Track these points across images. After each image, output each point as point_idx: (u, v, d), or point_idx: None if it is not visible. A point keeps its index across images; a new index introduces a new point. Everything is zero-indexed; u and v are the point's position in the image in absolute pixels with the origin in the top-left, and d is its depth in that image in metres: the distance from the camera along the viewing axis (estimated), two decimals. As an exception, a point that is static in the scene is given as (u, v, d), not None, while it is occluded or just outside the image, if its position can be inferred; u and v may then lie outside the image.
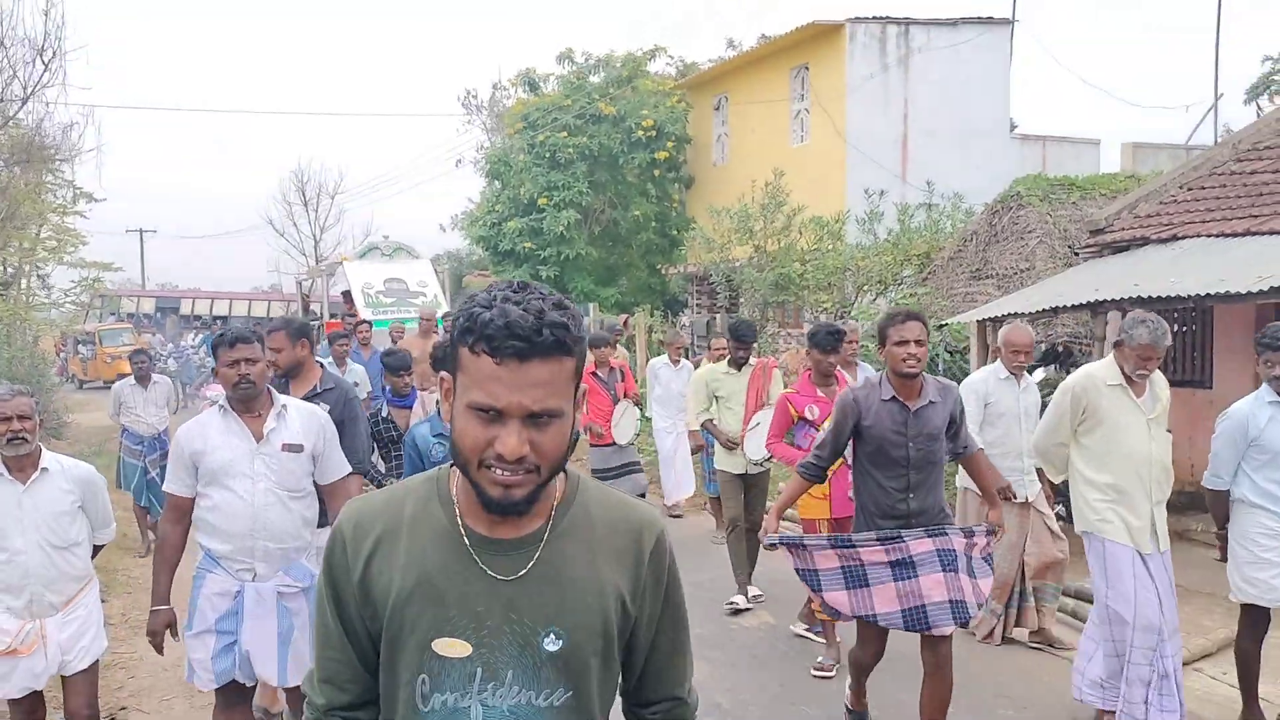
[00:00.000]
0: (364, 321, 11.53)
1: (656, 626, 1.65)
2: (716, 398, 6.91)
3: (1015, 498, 5.56)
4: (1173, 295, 7.38)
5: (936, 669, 4.08)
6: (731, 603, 6.61)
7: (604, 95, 20.28)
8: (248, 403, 3.71)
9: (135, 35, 71.37)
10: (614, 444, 7.86)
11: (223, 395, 3.86)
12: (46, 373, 19.77)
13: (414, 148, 71.21)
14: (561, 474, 1.59)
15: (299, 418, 3.78)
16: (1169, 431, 4.67)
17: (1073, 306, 8.23)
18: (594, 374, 8.04)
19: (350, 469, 3.95)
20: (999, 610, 5.94)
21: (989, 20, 17.46)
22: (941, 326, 10.11)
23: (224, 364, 3.64)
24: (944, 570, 4.00)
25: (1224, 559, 4.81)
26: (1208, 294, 6.92)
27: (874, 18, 16.81)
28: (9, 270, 20.52)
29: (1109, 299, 8.05)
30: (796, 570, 4.19)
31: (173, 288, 39.30)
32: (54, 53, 16.24)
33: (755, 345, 7.24)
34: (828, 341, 5.54)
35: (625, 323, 15.78)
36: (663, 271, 20.86)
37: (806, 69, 17.78)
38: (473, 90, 35.20)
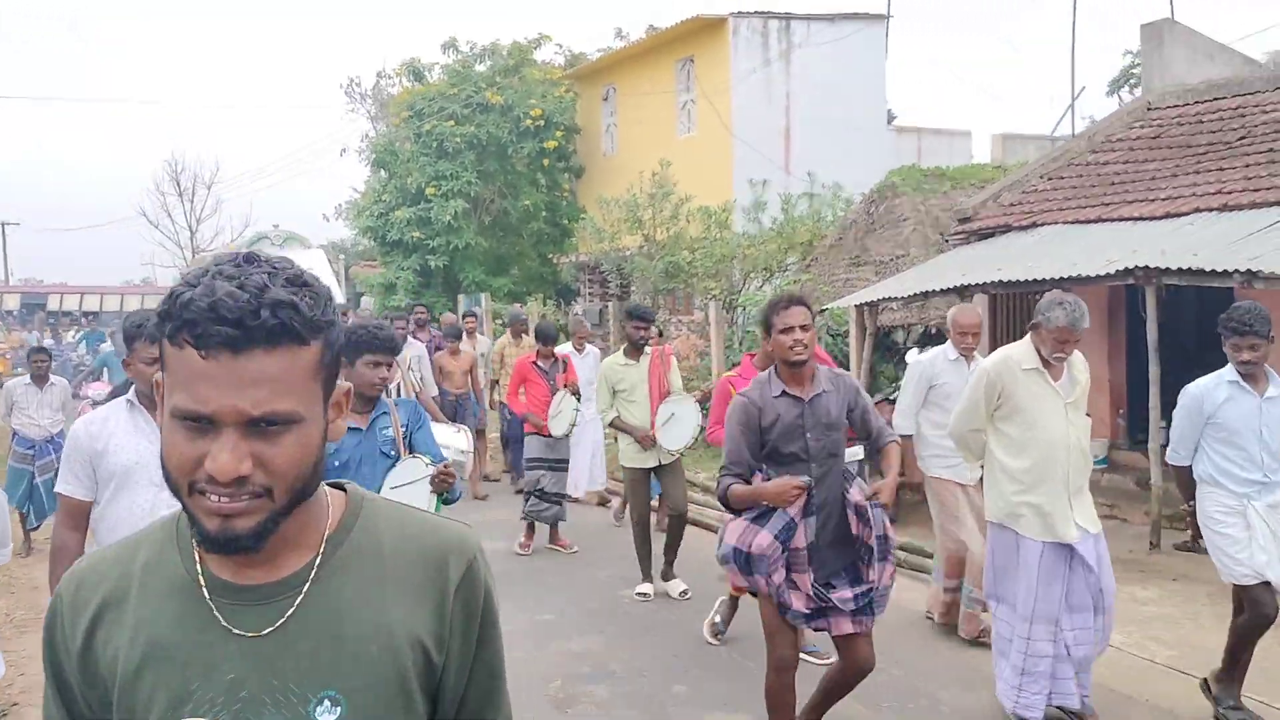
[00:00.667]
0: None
1: (469, 675, 1.31)
2: (616, 391, 6.78)
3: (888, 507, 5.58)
4: (1030, 279, 7.91)
5: (847, 652, 3.93)
6: (641, 592, 6.60)
7: (491, 84, 20.26)
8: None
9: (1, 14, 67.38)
10: (549, 435, 7.77)
11: (103, 394, 3.69)
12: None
13: (296, 138, 69.28)
14: (341, 494, 1.31)
15: None
16: (1088, 416, 4.59)
17: (942, 291, 8.71)
18: (535, 363, 8.08)
19: None
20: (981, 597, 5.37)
21: (866, 16, 18.10)
22: (822, 311, 10.53)
23: (142, 361, 3.31)
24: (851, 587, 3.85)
25: (1195, 537, 4.75)
26: (1062, 277, 7.42)
27: (756, 12, 17.24)
28: None
29: (974, 283, 8.57)
30: (725, 555, 3.95)
31: (37, 282, 37.49)
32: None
33: (654, 326, 7.19)
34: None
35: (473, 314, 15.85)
36: (554, 261, 20.98)
37: (692, 61, 18.13)
38: (356, 78, 34.64)
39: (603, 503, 9.65)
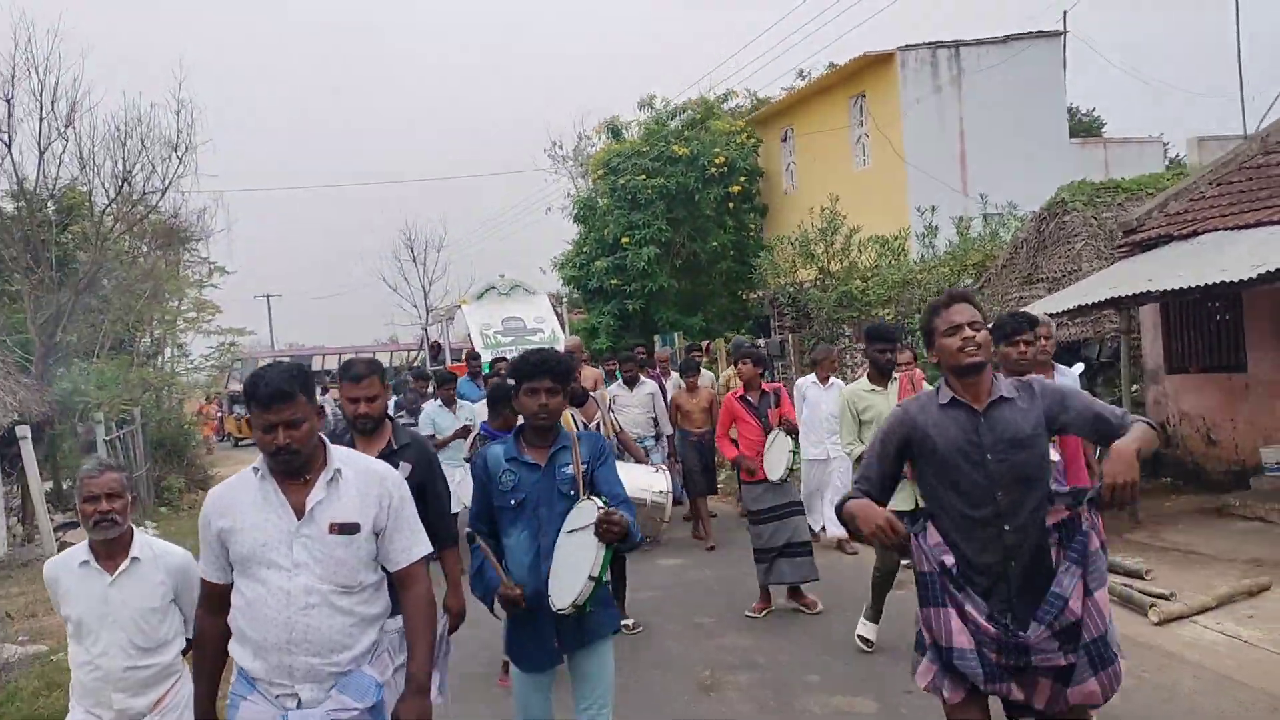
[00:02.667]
0: (473, 355, 11.95)
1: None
2: (862, 422, 6.09)
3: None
4: (1161, 290, 8.05)
5: None
6: (864, 638, 6.07)
7: (679, 138, 21.50)
8: (290, 471, 2.88)
9: (250, 121, 76.25)
10: (766, 481, 6.89)
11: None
12: (192, 434, 21.88)
13: (509, 199, 74.03)
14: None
15: (357, 485, 2.90)
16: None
17: (1093, 305, 8.94)
18: (742, 398, 7.17)
19: (429, 549, 3.07)
20: None
21: (1039, 34, 18.04)
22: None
23: (259, 427, 2.82)
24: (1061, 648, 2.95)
25: None
26: (1191, 286, 7.58)
27: (924, 44, 17.59)
28: (154, 341, 22.84)
29: (1124, 294, 8.74)
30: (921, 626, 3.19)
31: (300, 346, 42.17)
32: (185, 147, 18.44)
33: (898, 346, 6.47)
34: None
35: (706, 348, 16.75)
36: (743, 297, 21.83)
37: (864, 97, 18.66)
38: (558, 141, 37.04)
39: (842, 549, 8.80)
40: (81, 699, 3.44)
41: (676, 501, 9.80)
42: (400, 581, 2.99)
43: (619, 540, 3.31)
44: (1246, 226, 9.27)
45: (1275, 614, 6.27)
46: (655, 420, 9.90)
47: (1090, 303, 8.86)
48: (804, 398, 8.91)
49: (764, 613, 7.01)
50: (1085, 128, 31.33)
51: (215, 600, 2.95)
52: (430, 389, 10.36)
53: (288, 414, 2.79)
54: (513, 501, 3.56)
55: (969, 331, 3.08)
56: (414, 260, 41.20)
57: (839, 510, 3.20)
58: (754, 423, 7.02)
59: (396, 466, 3.50)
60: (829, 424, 8.43)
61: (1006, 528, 3.02)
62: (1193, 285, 7.78)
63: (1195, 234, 9.82)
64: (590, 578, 3.26)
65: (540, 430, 3.63)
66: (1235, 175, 10.76)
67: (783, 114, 21.59)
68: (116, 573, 3.43)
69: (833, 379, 8.85)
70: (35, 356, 18.50)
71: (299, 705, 2.79)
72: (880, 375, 6.23)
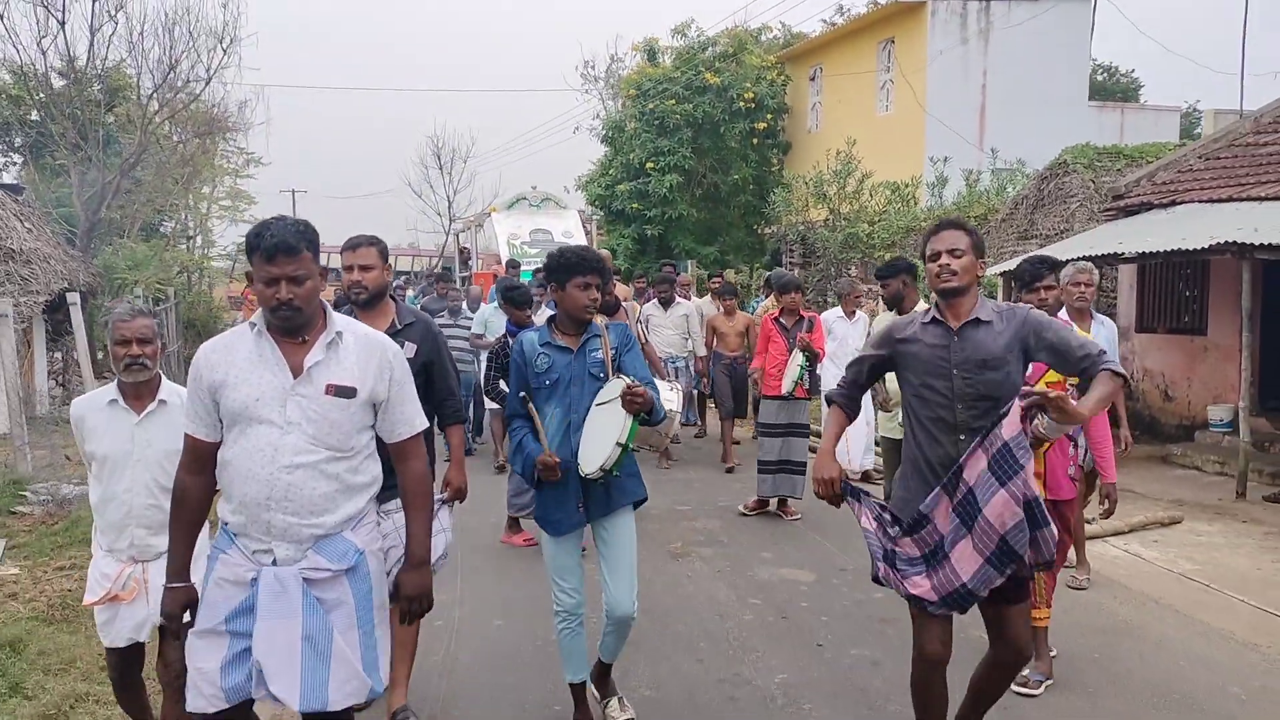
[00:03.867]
0: (513, 264, 12.40)
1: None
2: None
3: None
4: (1129, 253, 8.81)
5: (999, 635, 3.44)
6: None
7: (711, 67, 21.95)
8: (289, 330, 2.81)
9: (292, 20, 76.08)
10: (781, 398, 7.53)
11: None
12: (220, 316, 22.92)
13: (537, 118, 74.03)
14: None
15: (356, 351, 2.86)
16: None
17: (1066, 261, 9.67)
18: (777, 320, 7.76)
19: (425, 424, 3.05)
20: None
21: (1070, -5, 18.38)
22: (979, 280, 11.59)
23: (260, 280, 2.74)
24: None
25: None
26: (1166, 250, 8.33)
27: (955, -7, 17.99)
28: (186, 226, 23.77)
29: (1094, 255, 9.49)
30: (865, 532, 3.52)
31: (323, 244, 42.93)
32: (231, 39, 19.13)
33: (896, 282, 6.45)
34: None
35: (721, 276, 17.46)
36: (759, 231, 22.52)
37: (893, 42, 19.09)
38: (591, 62, 37.23)
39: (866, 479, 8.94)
40: (104, 535, 3.52)
41: (686, 423, 10.51)
42: (397, 455, 2.97)
43: (644, 412, 3.63)
44: (1220, 200, 9.96)
45: (1177, 542, 7.19)
46: (689, 341, 10.17)
47: (1065, 260, 9.59)
48: (829, 331, 8.78)
49: (755, 512, 7.77)
50: (1122, 89, 31.45)
51: (199, 458, 2.87)
52: (451, 292, 11.22)
53: (291, 268, 2.70)
54: (547, 382, 3.85)
55: (945, 259, 3.32)
56: (440, 169, 41.73)
57: (828, 401, 3.68)
58: (782, 343, 7.62)
59: (401, 345, 3.42)
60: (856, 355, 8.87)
61: (961, 438, 3.27)
62: (1155, 250, 8.54)
63: (1174, 204, 10.52)
64: (618, 444, 3.60)
65: (578, 321, 3.91)
66: (1224, 151, 11.38)
67: (814, 52, 22.00)
68: (144, 413, 3.48)
69: (858, 312, 9.14)
70: (79, 230, 19.46)
71: (274, 563, 2.75)
72: (893, 304, 6.52)
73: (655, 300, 10.30)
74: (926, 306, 3.54)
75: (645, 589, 5.80)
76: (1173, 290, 11.23)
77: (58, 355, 16.75)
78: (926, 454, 3.35)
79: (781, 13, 50.90)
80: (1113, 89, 31.14)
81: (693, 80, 21.64)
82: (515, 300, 7.55)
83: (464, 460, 4.15)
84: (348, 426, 2.80)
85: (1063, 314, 5.57)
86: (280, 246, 2.68)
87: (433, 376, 3.94)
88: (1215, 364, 10.59)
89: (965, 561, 3.23)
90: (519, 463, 3.92)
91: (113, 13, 19.07)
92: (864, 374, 3.62)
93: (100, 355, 16.25)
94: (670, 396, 6.70)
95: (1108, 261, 9.61)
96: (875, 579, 3.47)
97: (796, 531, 7.26)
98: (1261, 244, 7.89)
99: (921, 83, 17.93)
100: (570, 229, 16.49)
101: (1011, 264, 10.54)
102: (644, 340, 7.95)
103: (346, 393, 2.78)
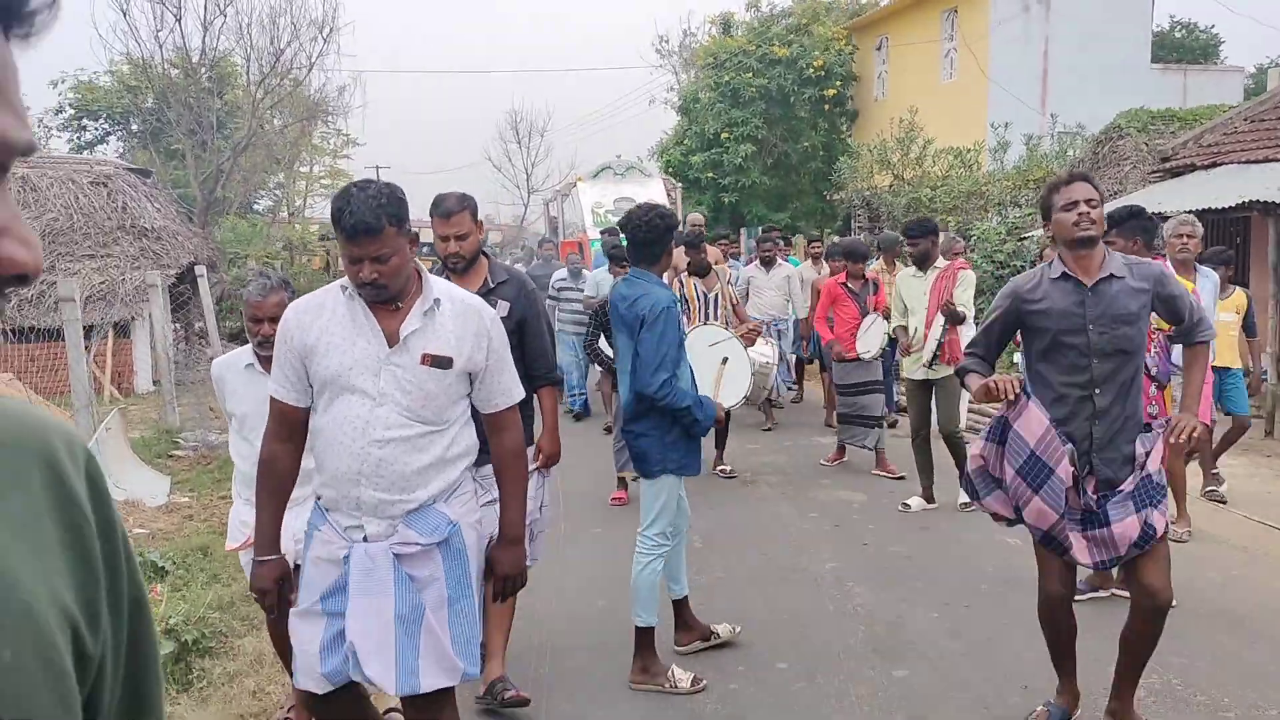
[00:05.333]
0: (611, 231, 12.09)
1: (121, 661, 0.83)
2: (906, 306, 6.96)
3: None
4: (1168, 212, 9.56)
5: (1137, 581, 3.42)
6: (906, 504, 6.85)
7: (782, 41, 22.76)
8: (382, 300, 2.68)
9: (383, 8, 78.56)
10: (857, 359, 7.77)
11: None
12: (319, 286, 24.58)
13: (612, 92, 74.96)
14: None
15: (454, 318, 2.72)
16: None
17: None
18: (844, 284, 7.96)
19: (522, 394, 2.92)
20: None
21: (1133, -41, 18.72)
22: (1022, 239, 12.41)
23: (345, 258, 2.62)
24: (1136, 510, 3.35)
25: None
26: (1194, 210, 9.07)
27: (1018, -38, 18.49)
28: (292, 204, 25.53)
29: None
30: (969, 473, 3.64)
31: (421, 219, 44.84)
32: (330, 29, 20.57)
33: (925, 242, 6.80)
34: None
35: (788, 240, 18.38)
36: (828, 197, 23.34)
37: (955, 12, 19.67)
38: (664, 36, 38.19)
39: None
40: (244, 488, 3.50)
41: (787, 388, 10.45)
42: (491, 426, 2.83)
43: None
44: (1257, 161, 10.62)
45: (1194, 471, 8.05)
46: (791, 303, 10.08)
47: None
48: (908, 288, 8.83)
49: (835, 463, 8.18)
50: (1201, 45, 31.16)
51: (288, 425, 2.74)
52: (571, 254, 11.96)
53: (374, 248, 2.54)
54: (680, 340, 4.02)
55: (1084, 208, 3.27)
56: (518, 143, 43.12)
57: (959, 374, 3.72)
58: (853, 306, 7.85)
59: (494, 305, 3.50)
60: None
61: (1098, 392, 3.31)
62: (1189, 210, 9.29)
63: (1215, 165, 11.19)
64: (751, 374, 4.55)
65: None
66: (1270, 114, 11.96)
67: (880, 22, 22.62)
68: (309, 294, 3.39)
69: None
70: (197, 209, 21.23)
71: (365, 539, 2.63)
72: (918, 263, 6.90)
73: (758, 261, 10.30)
74: (1048, 259, 3.51)
75: (720, 509, 6.97)
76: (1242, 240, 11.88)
77: (177, 326, 18.49)
78: (1062, 395, 3.36)
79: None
80: (1191, 45, 30.90)
81: (766, 54, 22.48)
82: (616, 258, 8.31)
83: (557, 425, 4.02)
84: (443, 398, 2.67)
85: (1168, 265, 5.71)
86: (360, 227, 2.53)
87: (526, 335, 3.82)
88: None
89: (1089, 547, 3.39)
90: (704, 414, 4.01)
91: (223, 7, 20.70)
92: (994, 341, 3.60)
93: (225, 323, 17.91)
94: (768, 350, 7.07)
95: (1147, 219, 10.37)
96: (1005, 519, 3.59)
97: (855, 468, 8.31)
98: (1281, 203, 8.64)
99: (984, 50, 18.52)
100: (654, 195, 16.11)
101: (1037, 231, 11.30)
102: (735, 301, 7.78)
103: (443, 363, 2.65)
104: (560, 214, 18.83)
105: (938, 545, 6.06)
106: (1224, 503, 6.82)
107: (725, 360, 4.65)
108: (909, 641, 4.54)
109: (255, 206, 28.40)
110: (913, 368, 6.82)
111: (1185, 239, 5.91)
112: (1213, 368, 6.04)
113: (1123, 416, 3.34)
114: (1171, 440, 3.32)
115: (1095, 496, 3.34)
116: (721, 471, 7.80)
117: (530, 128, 42.35)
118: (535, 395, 3.88)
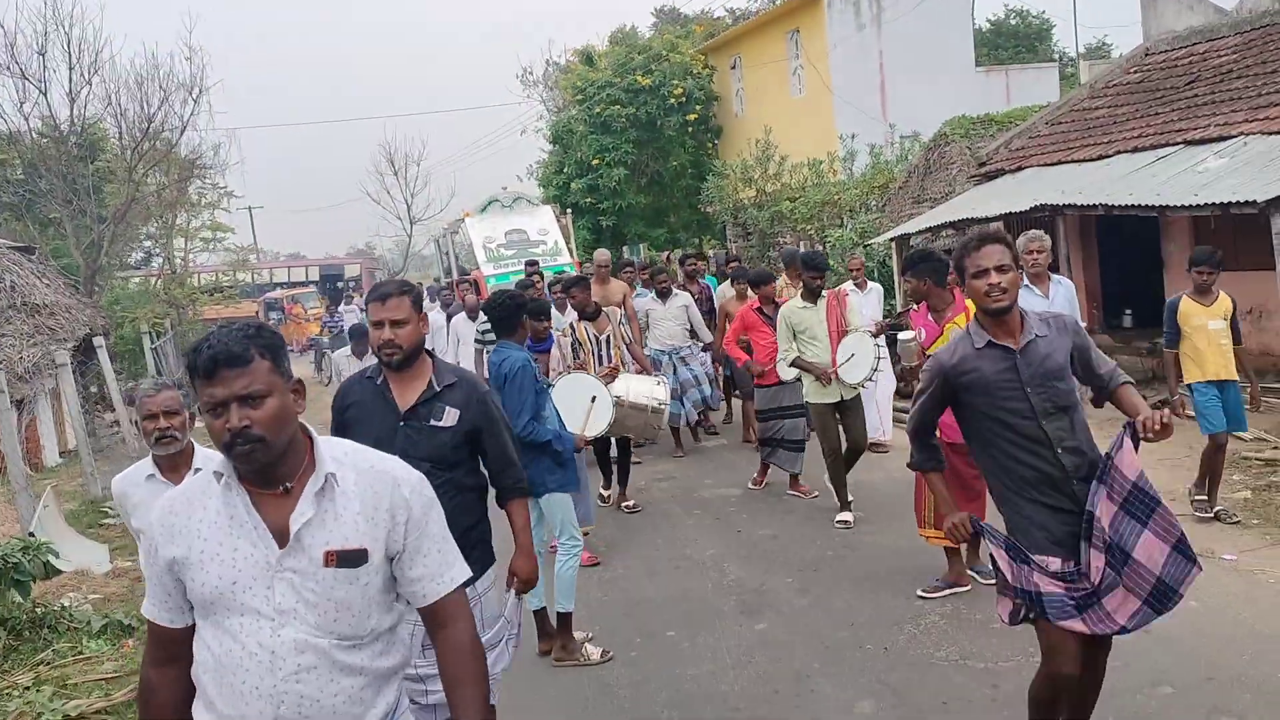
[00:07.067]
0: (464, 281, 12.78)
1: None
2: (797, 333, 7.17)
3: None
4: (981, 216, 11.09)
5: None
6: (842, 520, 7.12)
7: (644, 71, 24.09)
8: (260, 469, 2.06)
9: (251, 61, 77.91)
10: (779, 383, 7.80)
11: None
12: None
13: (485, 125, 76.11)
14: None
15: (359, 495, 2.12)
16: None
17: (931, 227, 11.99)
18: (758, 310, 8.11)
19: (467, 573, 2.28)
20: None
21: (949, -26, 20.63)
22: (867, 246, 13.89)
23: (205, 409, 2.05)
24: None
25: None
26: (992, 216, 10.60)
27: (848, -14, 20.21)
28: (179, 262, 25.65)
29: (956, 220, 11.76)
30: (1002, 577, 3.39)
31: (300, 256, 44.83)
32: (199, 89, 20.99)
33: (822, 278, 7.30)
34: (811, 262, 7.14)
35: (666, 258, 19.64)
36: (702, 210, 24.75)
37: (798, 32, 21.28)
38: (529, 68, 39.31)
39: (877, 448, 8.97)
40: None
41: (712, 409, 10.45)
42: (431, 619, 2.23)
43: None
44: (1052, 164, 12.25)
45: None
46: (692, 331, 9.94)
47: (931, 225, 11.93)
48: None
49: (761, 484, 8.36)
50: (1035, 30, 33.45)
51: (168, 648, 2.15)
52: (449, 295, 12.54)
53: (241, 384, 2.00)
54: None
55: (995, 277, 3.23)
56: (395, 174, 43.53)
57: (912, 467, 3.68)
58: (768, 331, 7.85)
59: (442, 413, 3.31)
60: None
61: (1060, 450, 3.23)
62: (996, 213, 10.83)
63: (1020, 169, 12.81)
64: (613, 408, 5.98)
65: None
66: (1065, 117, 13.67)
67: (732, 43, 24.13)
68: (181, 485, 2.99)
69: (871, 283, 10.08)
70: (82, 278, 21.34)
71: None
72: (811, 294, 7.23)
73: (654, 293, 10.07)
74: (962, 330, 3.51)
75: (621, 517, 8.07)
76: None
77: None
78: (1024, 474, 3.28)
79: (703, 4, 53.83)
80: (1025, 32, 33.12)
81: (630, 84, 23.77)
82: (533, 311, 7.10)
83: (531, 542, 3.67)
84: (360, 603, 2.09)
85: (1024, 279, 6.12)
86: (221, 357, 2.00)
87: (484, 444, 3.46)
88: (1068, 295, 12.97)
89: (1122, 607, 3.17)
90: (561, 444, 5.13)
91: (89, 77, 20.88)
92: (928, 421, 3.53)
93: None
94: (659, 390, 7.22)
95: (968, 225, 11.90)
96: (1017, 620, 3.39)
97: (739, 470, 9.50)
98: (1069, 204, 10.19)
99: (826, 67, 20.14)
100: (545, 225, 16.43)
101: (910, 226, 12.83)
102: (628, 341, 8.15)
103: (354, 559, 2.08)
104: (452, 252, 19.02)
105: (795, 525, 7.30)
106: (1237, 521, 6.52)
107: (594, 399, 5.74)
108: (769, 602, 5.74)
109: (138, 265, 28.43)
110: (823, 393, 7.09)
111: (1035, 254, 6.33)
112: (1211, 382, 6.33)
113: (1088, 459, 3.28)
114: (1148, 438, 3.16)
115: (1100, 556, 3.17)
116: (627, 507, 8.10)
117: (406, 159, 42.85)
118: (503, 509, 3.63)
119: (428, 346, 3.53)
